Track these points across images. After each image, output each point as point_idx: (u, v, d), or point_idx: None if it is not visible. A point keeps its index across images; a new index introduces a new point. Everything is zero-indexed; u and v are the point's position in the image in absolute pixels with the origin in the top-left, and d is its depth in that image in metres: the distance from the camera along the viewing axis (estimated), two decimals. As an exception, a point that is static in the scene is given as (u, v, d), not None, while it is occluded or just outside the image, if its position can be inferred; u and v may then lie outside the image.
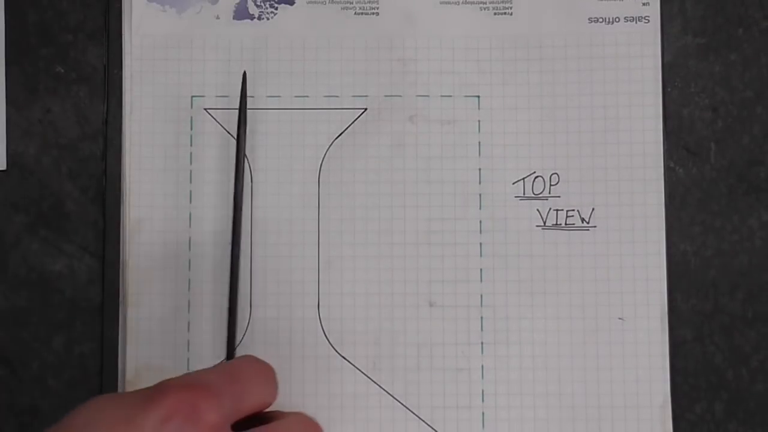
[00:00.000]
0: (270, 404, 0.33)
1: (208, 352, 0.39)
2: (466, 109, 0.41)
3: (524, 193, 0.40)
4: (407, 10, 0.41)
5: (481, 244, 0.40)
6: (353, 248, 0.40)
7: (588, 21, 0.41)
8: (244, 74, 0.40)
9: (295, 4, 0.41)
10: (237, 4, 0.41)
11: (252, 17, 0.41)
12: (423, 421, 0.39)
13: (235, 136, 0.40)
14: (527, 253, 0.40)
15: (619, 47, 0.41)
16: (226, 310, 0.39)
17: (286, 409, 0.35)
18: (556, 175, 0.40)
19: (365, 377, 0.39)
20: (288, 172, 0.40)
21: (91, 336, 0.40)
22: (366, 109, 0.41)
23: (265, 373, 0.33)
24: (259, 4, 0.41)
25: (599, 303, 0.40)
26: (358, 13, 0.41)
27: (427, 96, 0.41)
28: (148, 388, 0.30)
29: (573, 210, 0.40)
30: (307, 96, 0.41)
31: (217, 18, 0.41)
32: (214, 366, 0.32)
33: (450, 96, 0.41)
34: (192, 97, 0.41)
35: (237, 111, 0.40)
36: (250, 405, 0.31)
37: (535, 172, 0.40)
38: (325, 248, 0.40)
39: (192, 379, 0.30)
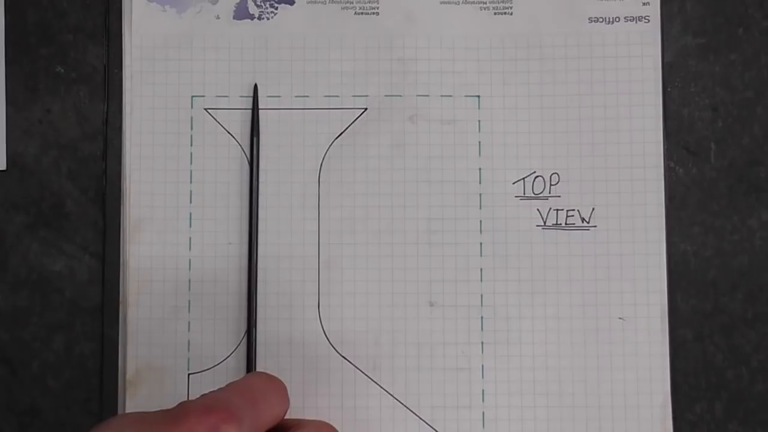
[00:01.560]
0: (283, 416, 0.33)
1: (208, 352, 0.39)
2: (466, 109, 0.41)
3: (524, 193, 0.40)
4: (407, 9, 0.41)
5: (481, 244, 0.40)
6: (353, 248, 0.40)
7: (588, 21, 0.41)
8: (255, 87, 0.40)
9: (295, 4, 0.41)
10: (237, 4, 0.41)
11: (252, 17, 0.41)
12: (423, 420, 0.39)
13: (234, 135, 0.40)
14: (527, 253, 0.40)
15: (619, 47, 0.41)
16: (226, 310, 0.39)
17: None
18: (556, 174, 0.40)
19: (365, 377, 0.39)
20: (288, 172, 0.40)
21: (91, 336, 0.40)
22: (366, 109, 0.41)
23: (278, 389, 0.33)
24: (259, 4, 0.41)
25: (599, 303, 0.40)
26: (358, 13, 0.41)
27: (427, 96, 0.41)
28: (168, 410, 0.30)
29: (573, 210, 0.40)
30: (307, 96, 0.41)
31: (217, 18, 0.41)
32: (229, 385, 0.32)
33: (450, 96, 0.41)
34: (192, 97, 0.41)
35: (237, 111, 0.40)
36: (267, 421, 0.32)
37: (535, 172, 0.40)
38: (325, 248, 0.40)
39: (212, 401, 0.30)
